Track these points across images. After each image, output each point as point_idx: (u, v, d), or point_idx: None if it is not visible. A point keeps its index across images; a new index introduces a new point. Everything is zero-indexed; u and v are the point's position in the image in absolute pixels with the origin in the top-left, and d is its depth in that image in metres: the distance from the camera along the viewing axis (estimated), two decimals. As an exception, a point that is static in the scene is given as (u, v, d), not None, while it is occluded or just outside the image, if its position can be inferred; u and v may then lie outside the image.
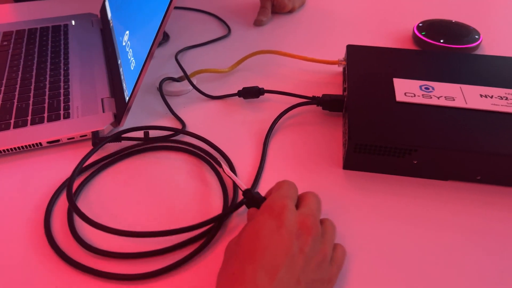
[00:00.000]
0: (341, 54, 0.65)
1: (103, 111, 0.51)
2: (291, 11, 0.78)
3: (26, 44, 0.65)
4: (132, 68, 0.49)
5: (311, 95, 0.55)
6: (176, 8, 0.80)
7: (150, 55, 0.45)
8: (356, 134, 0.43)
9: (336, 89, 0.57)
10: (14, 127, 0.48)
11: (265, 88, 0.57)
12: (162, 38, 0.70)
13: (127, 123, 0.51)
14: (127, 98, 0.48)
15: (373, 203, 0.42)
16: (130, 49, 0.51)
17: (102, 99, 0.53)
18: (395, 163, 0.44)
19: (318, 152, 0.47)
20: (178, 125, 0.51)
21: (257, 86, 0.54)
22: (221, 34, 0.71)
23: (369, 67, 0.53)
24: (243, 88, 0.55)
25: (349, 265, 0.36)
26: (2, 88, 0.55)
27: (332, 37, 0.69)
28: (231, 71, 0.61)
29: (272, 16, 0.77)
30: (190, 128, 0.51)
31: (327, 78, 0.59)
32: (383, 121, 0.45)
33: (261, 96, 0.55)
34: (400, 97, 0.48)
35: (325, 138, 0.49)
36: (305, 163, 0.46)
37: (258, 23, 0.73)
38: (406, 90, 0.48)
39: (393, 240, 0.38)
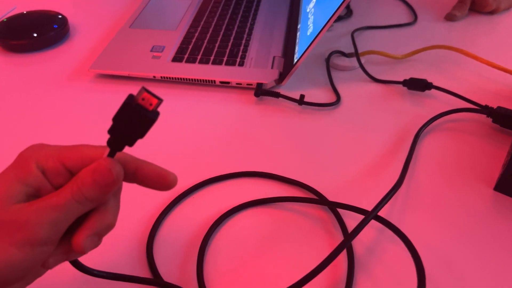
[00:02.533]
0: (537, 69, 0.56)
1: (272, 67, 0.55)
2: (493, 12, 0.70)
3: (227, -5, 0.73)
4: (308, 34, 0.52)
5: (483, 104, 0.50)
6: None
7: (327, 24, 0.46)
8: (521, 157, 0.38)
9: (515, 105, 0.51)
10: (199, 62, 0.56)
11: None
12: (345, 13, 0.70)
13: (288, 84, 0.55)
14: (295, 60, 0.52)
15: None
16: (312, 16, 0.54)
17: (274, 57, 0.57)
18: (560, 203, 0.38)
19: (471, 164, 0.44)
20: (334, 98, 0.53)
21: (425, 80, 0.52)
22: (406, 21, 0.68)
23: None
24: (410, 78, 0.53)
25: None
26: (199, 29, 0.63)
27: (534, 49, 0.60)
28: (404, 59, 0.59)
29: (468, 13, 0.70)
30: (343, 103, 0.52)
31: (510, 93, 0.53)
32: (562, 153, 0.38)
33: (426, 91, 0.53)
34: None
35: (483, 153, 0.45)
36: (451, 172, 0.43)
37: (450, 17, 0.68)
38: None
39: (525, 281, 0.34)
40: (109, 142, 0.25)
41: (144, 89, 0.23)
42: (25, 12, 0.65)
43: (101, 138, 0.47)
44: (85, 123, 0.49)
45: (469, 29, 0.66)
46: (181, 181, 0.42)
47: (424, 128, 0.47)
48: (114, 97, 0.53)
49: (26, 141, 0.47)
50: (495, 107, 0.49)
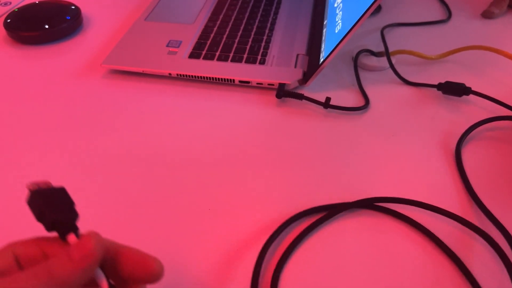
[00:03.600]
0: None
1: (295, 67, 0.51)
2: (535, 8, 0.65)
3: (248, -13, 0.69)
4: (336, 31, 0.48)
5: (527, 112, 0.46)
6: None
7: (359, 21, 0.42)
8: None
9: None
10: (217, 59, 0.53)
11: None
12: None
13: (312, 85, 0.51)
14: (321, 60, 0.48)
15: None
16: (340, 12, 0.50)
17: (297, 55, 0.53)
18: None
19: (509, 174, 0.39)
20: (361, 101, 0.49)
21: (463, 84, 0.47)
22: (439, 18, 0.64)
23: None
24: (447, 81, 0.48)
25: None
26: (218, 23, 0.60)
27: None
28: (438, 59, 0.55)
29: (507, 10, 0.65)
30: (372, 107, 0.48)
31: (557, 98, 0.48)
32: None
33: (464, 96, 0.48)
34: None
35: (529, 167, 0.41)
36: (485, 181, 0.39)
37: (488, 14, 0.63)
38: None
39: None
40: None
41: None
42: (37, 2, 0.62)
43: (108, 137, 0.44)
44: (95, 121, 0.46)
45: (508, 27, 0.61)
46: (191, 191, 0.39)
47: (464, 137, 0.43)
48: (126, 95, 0.50)
49: (32, 137, 0.44)
50: (541, 116, 0.44)
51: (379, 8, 0.66)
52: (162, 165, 0.41)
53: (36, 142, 0.44)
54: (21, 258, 0.22)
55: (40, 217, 0.23)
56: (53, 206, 0.23)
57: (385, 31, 0.61)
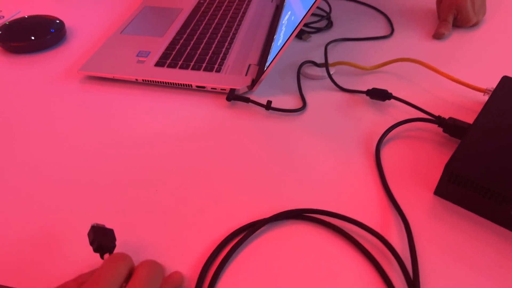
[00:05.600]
0: (495, 83, 0.59)
1: (246, 74, 0.59)
2: (474, 25, 0.73)
3: (216, 5, 0.78)
4: (278, 44, 0.56)
5: (437, 114, 0.54)
6: (350, 0, 0.83)
7: (290, 38, 0.50)
8: (455, 162, 0.42)
9: (469, 118, 0.54)
10: (179, 67, 0.61)
11: (395, 95, 0.57)
12: (326, 24, 0.74)
13: (259, 90, 0.59)
14: (265, 68, 0.56)
15: (448, 238, 0.40)
16: (284, 28, 0.58)
17: (249, 65, 0.61)
18: (489, 207, 0.41)
19: (417, 169, 0.47)
20: (300, 104, 0.57)
21: (386, 90, 0.55)
22: (383, 34, 0.72)
23: (512, 104, 0.48)
24: (373, 88, 0.56)
25: None
26: (184, 36, 0.68)
27: (497, 63, 0.64)
28: (373, 70, 0.63)
29: (453, 30, 0.73)
30: (308, 108, 0.56)
31: (465, 104, 0.56)
32: (493, 160, 0.42)
33: (387, 101, 0.56)
34: (529, 143, 0.43)
35: (430, 159, 0.48)
36: (397, 175, 0.46)
37: (438, 36, 0.70)
38: (542, 139, 0.43)
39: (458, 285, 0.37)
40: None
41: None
42: (26, 17, 0.71)
43: (82, 134, 0.51)
44: (71, 120, 0.54)
45: (447, 45, 0.69)
46: (154, 176, 0.46)
47: (383, 137, 0.50)
48: (100, 97, 0.57)
49: (17, 137, 0.51)
50: (447, 117, 0.52)
51: (330, 25, 0.75)
52: (113, 163, 0.49)
53: (16, 136, 0.51)
54: None
55: (91, 242, 0.34)
56: (100, 237, 0.34)
57: (332, 45, 0.69)
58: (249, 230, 0.40)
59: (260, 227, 0.40)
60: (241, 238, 0.39)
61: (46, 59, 0.66)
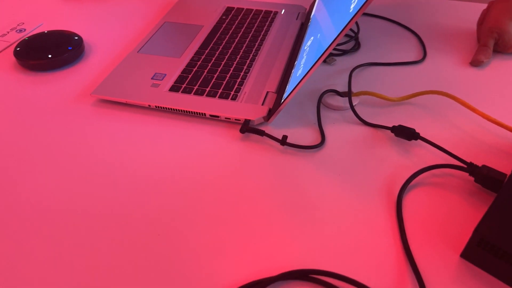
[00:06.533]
0: (540, 124, 0.54)
1: (262, 104, 0.56)
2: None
3: (238, 22, 0.75)
4: (297, 75, 0.52)
5: (469, 160, 0.49)
6: (379, 18, 0.78)
7: (309, 72, 0.47)
8: (486, 227, 0.37)
9: (506, 165, 0.49)
10: (194, 93, 0.58)
11: (423, 134, 0.53)
12: (353, 46, 0.70)
13: (275, 121, 0.55)
14: (282, 100, 0.52)
15: (472, 309, 0.36)
16: (305, 56, 0.54)
17: (267, 92, 0.58)
18: (524, 280, 0.36)
19: (443, 225, 0.43)
20: (319, 139, 0.53)
21: (413, 129, 0.51)
22: (415, 58, 0.67)
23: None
24: (399, 125, 0.52)
25: None
26: (202, 57, 0.65)
27: (544, 99, 0.58)
28: (399, 102, 0.58)
29: (493, 56, 0.67)
30: (327, 144, 0.52)
31: (504, 147, 0.51)
32: (531, 227, 0.37)
33: (413, 140, 0.52)
34: None
35: (459, 214, 0.44)
36: (420, 231, 0.42)
37: (476, 63, 0.65)
38: None
39: None
40: None
41: None
42: (46, 32, 0.70)
43: (85, 161, 0.50)
44: (79, 145, 0.52)
45: (486, 73, 0.64)
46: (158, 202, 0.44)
47: (407, 184, 0.46)
48: (110, 122, 0.56)
49: (26, 153, 0.50)
50: (480, 164, 0.47)
51: (358, 46, 0.70)
52: (117, 188, 0.46)
53: (24, 158, 0.50)
54: None
55: None
56: None
57: (359, 70, 0.64)
58: (252, 291, 0.37)
59: (265, 286, 0.37)
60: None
61: (62, 77, 0.64)
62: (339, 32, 0.44)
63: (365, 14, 0.79)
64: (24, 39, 0.68)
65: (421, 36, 0.72)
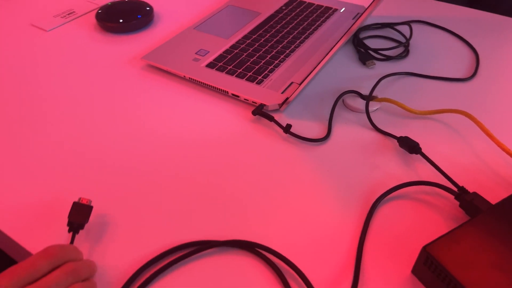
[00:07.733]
0: None
1: (282, 92, 0.59)
2: None
3: (295, 14, 0.77)
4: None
5: (467, 185, 0.47)
6: (440, 28, 0.74)
7: (323, 59, 0.49)
8: (434, 246, 0.37)
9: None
10: (226, 72, 0.63)
11: (433, 150, 0.52)
12: (400, 53, 0.69)
13: (290, 110, 0.58)
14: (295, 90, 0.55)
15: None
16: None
17: (291, 83, 0.61)
18: (460, 309, 0.35)
19: (409, 240, 0.42)
20: (324, 134, 0.54)
21: (417, 143, 0.50)
22: (462, 74, 0.64)
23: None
24: (405, 136, 0.51)
25: None
26: (248, 41, 0.70)
27: None
28: (421, 115, 0.57)
29: None
30: (330, 142, 0.53)
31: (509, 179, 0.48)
32: (478, 258, 0.36)
33: (413, 154, 0.51)
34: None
35: (431, 233, 0.43)
36: (381, 241, 0.43)
37: None
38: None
39: None
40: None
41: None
42: (126, 0, 0.80)
43: (120, 117, 0.58)
44: (121, 101, 0.61)
45: (526, 101, 0.59)
46: (167, 174, 0.51)
47: (386, 195, 0.46)
48: (151, 86, 0.63)
49: (79, 106, 0.60)
50: (471, 191, 0.45)
51: (406, 53, 0.69)
52: (128, 151, 0.54)
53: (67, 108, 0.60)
54: None
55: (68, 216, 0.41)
56: (74, 214, 0.41)
57: (397, 77, 0.64)
58: (198, 247, 0.41)
59: (209, 248, 0.41)
60: (186, 254, 0.41)
61: (128, 41, 0.74)
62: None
63: (425, 22, 0.76)
64: (107, 4, 0.79)
65: (478, 51, 0.68)
